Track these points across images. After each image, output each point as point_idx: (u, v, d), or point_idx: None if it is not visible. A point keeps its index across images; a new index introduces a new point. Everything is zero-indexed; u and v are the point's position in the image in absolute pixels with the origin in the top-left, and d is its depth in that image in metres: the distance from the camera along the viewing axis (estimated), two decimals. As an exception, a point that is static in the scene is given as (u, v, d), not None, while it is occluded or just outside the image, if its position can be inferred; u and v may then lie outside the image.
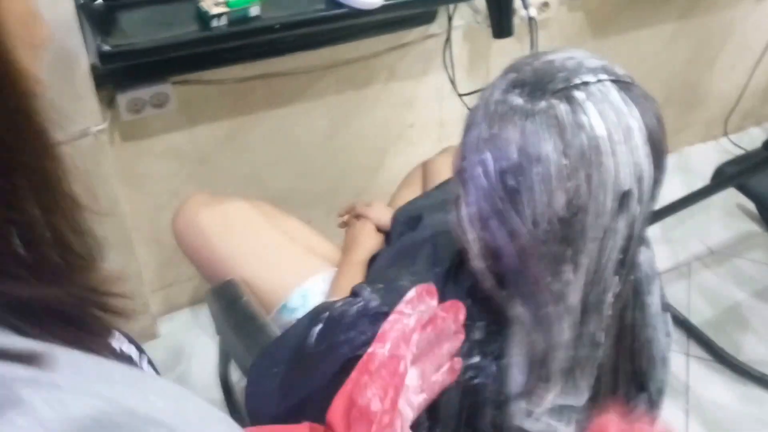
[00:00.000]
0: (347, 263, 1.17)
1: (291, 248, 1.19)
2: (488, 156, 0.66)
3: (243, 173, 1.60)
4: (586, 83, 0.65)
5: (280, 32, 1.24)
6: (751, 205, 2.26)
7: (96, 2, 1.17)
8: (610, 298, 0.71)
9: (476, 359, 0.74)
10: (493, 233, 0.68)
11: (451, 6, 1.55)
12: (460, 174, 0.71)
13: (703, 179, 1.95)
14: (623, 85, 0.66)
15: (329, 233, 1.33)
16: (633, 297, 0.78)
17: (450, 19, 1.57)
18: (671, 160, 2.68)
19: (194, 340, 1.76)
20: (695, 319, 1.92)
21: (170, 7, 1.22)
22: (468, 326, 0.74)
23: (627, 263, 0.70)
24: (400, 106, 1.73)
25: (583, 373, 0.74)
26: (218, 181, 1.58)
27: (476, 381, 0.75)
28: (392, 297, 0.78)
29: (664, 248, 2.14)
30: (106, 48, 1.13)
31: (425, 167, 1.42)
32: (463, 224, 0.71)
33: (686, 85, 2.26)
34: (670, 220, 2.15)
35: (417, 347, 0.68)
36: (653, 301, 0.84)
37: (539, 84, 0.65)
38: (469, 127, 0.70)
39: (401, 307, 0.70)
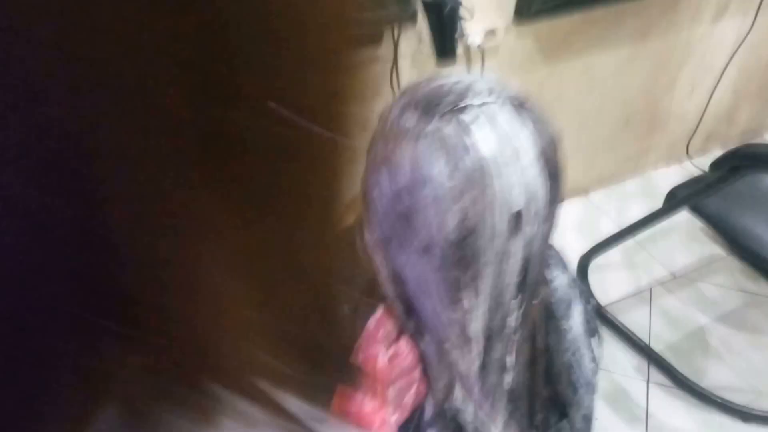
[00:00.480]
0: None
1: None
2: (383, 178, 0.64)
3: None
4: (470, 106, 0.64)
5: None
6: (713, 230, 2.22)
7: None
8: (512, 322, 0.69)
9: None
10: (394, 257, 0.67)
11: (396, 31, 1.51)
12: (363, 194, 0.69)
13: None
14: (512, 107, 0.64)
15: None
16: (546, 321, 0.76)
17: (396, 44, 1.53)
18: (635, 184, 2.68)
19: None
20: (656, 345, 1.87)
21: None
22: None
23: (528, 286, 0.68)
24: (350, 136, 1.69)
25: (495, 399, 0.72)
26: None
27: None
28: None
29: (625, 273, 2.10)
30: None
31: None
32: (369, 250, 0.69)
33: (646, 107, 2.23)
34: (631, 245, 2.12)
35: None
36: (572, 325, 0.81)
37: (428, 106, 0.64)
38: (371, 145, 0.68)
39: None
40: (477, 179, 0.61)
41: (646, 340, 1.88)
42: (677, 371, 1.78)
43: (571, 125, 2.05)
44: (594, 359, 0.86)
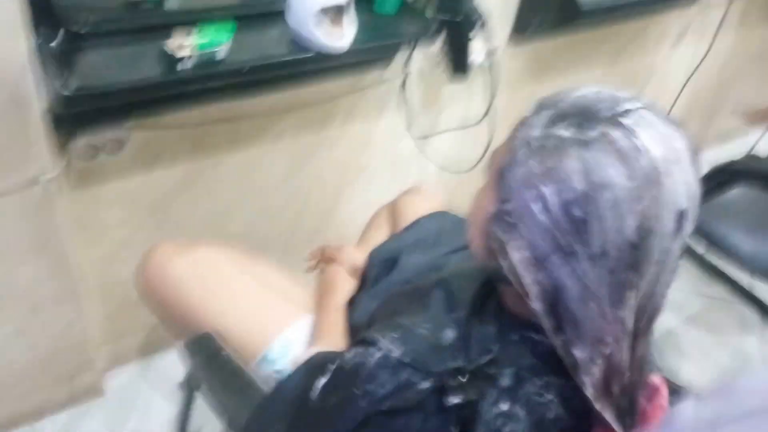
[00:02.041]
0: (325, 309, 1.08)
1: (267, 296, 1.10)
2: (547, 190, 0.62)
3: (199, 218, 1.50)
4: (628, 111, 0.63)
5: (247, 75, 1.16)
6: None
7: (54, 43, 1.05)
8: (657, 319, 0.68)
9: (505, 406, 0.69)
10: (553, 272, 0.64)
11: (408, 52, 1.51)
12: (503, 218, 0.66)
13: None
14: (657, 111, 0.65)
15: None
16: None
17: (406, 64, 1.53)
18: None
19: (144, 394, 1.62)
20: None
21: (133, 49, 1.11)
22: (495, 374, 0.70)
23: (671, 284, 0.68)
24: (356, 148, 1.67)
25: (633, 401, 0.69)
26: (173, 227, 1.46)
27: (506, 429, 0.69)
28: (413, 347, 0.73)
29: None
30: (67, 91, 1.01)
31: (392, 208, 1.36)
32: (518, 270, 0.66)
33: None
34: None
35: None
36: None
37: (584, 115, 0.63)
38: (508, 168, 0.66)
39: None
40: (653, 179, 0.61)
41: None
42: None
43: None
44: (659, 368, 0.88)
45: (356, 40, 1.23)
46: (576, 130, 0.62)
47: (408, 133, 1.66)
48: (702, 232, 1.71)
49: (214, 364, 0.96)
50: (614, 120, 0.62)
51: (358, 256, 1.19)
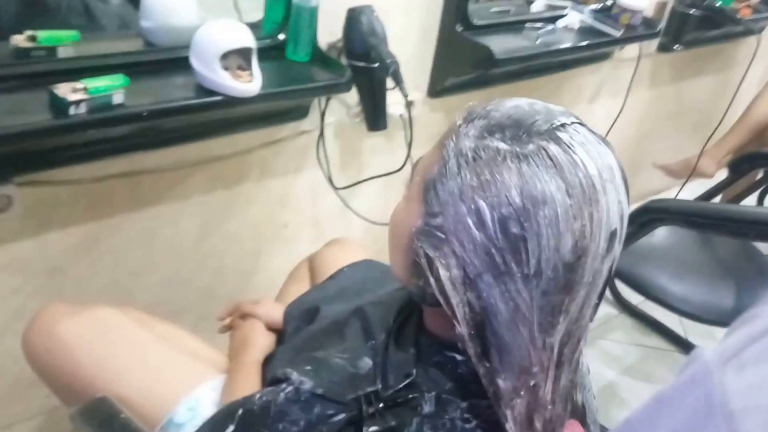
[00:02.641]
0: (239, 365, 0.99)
1: (171, 355, 1.00)
2: (484, 204, 0.59)
3: (102, 284, 1.38)
4: (564, 125, 0.62)
5: (146, 120, 1.08)
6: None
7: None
8: (581, 347, 0.66)
9: None
10: (484, 292, 0.60)
11: (323, 101, 1.48)
12: (432, 233, 0.62)
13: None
14: (588, 127, 0.63)
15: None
16: None
17: (323, 114, 1.49)
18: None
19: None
20: (576, 403, 1.88)
21: (22, 97, 1.03)
22: (416, 399, 0.66)
23: (597, 309, 0.66)
24: (274, 205, 1.60)
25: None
26: (74, 295, 1.34)
27: None
28: (326, 377, 0.69)
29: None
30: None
31: (312, 261, 1.29)
32: (446, 289, 0.62)
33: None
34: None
35: None
36: (584, 361, 0.77)
37: (520, 127, 0.61)
38: (438, 180, 0.63)
39: None
40: (590, 196, 0.59)
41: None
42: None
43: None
44: (594, 397, 0.84)
45: (267, 85, 1.18)
46: (512, 143, 0.60)
47: (330, 188, 1.60)
48: (629, 277, 1.72)
49: (109, 429, 0.85)
50: (551, 133, 0.60)
51: (275, 310, 1.11)
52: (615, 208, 0.61)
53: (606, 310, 2.29)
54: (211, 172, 1.43)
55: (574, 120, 0.63)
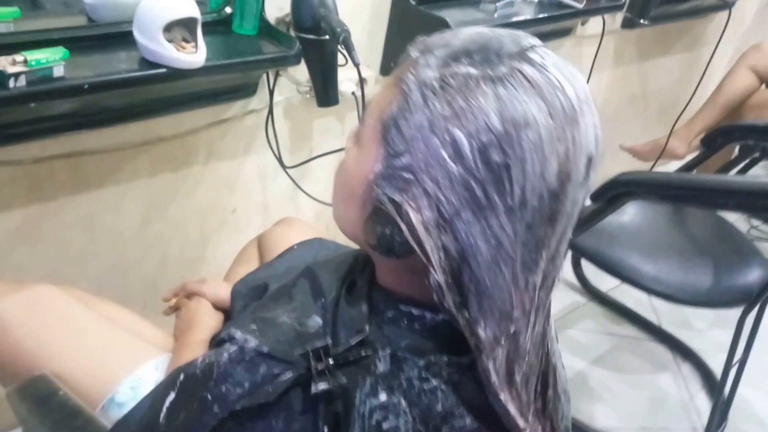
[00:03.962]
0: (185, 344, 1.06)
1: (114, 333, 1.06)
2: (460, 133, 0.59)
3: (42, 272, 1.45)
4: (533, 46, 0.63)
5: (88, 93, 1.17)
6: (571, 277, 2.44)
7: None
8: (553, 288, 0.68)
9: (383, 396, 0.66)
10: (461, 232, 0.61)
11: (272, 78, 1.57)
12: (397, 176, 0.63)
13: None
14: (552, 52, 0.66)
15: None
16: None
17: (271, 92, 1.58)
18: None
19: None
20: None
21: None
22: (369, 357, 0.67)
23: (568, 247, 0.68)
24: (222, 189, 1.69)
25: (528, 387, 0.69)
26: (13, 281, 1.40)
27: (386, 425, 0.66)
28: (273, 335, 0.71)
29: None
30: None
31: (261, 240, 1.37)
32: (418, 234, 0.62)
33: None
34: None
35: None
36: (551, 324, 0.79)
37: (488, 51, 0.62)
38: (399, 116, 0.63)
39: None
40: (571, 117, 0.60)
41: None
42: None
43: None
44: (563, 366, 0.84)
45: (213, 58, 1.27)
46: (483, 66, 0.61)
47: (281, 171, 1.70)
48: (598, 257, 1.80)
49: (47, 406, 0.91)
50: (523, 55, 0.62)
51: (223, 288, 1.17)
52: (591, 132, 0.63)
53: (574, 298, 2.42)
54: (155, 153, 1.51)
55: (539, 43, 0.65)
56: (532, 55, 0.62)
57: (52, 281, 1.10)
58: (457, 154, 0.59)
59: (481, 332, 0.63)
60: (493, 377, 0.64)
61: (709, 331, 2.37)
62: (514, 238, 0.61)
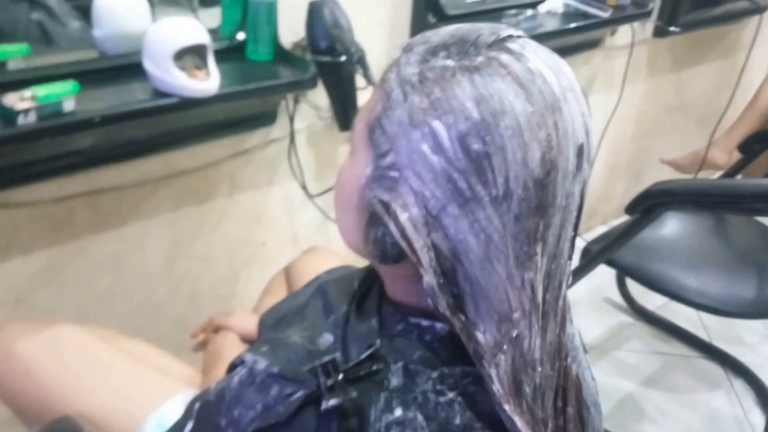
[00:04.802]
0: (212, 379, 1.02)
1: (139, 370, 1.03)
2: (438, 124, 0.58)
3: (70, 312, 1.41)
4: (512, 36, 0.63)
5: (100, 127, 1.13)
6: (617, 297, 2.34)
7: None
8: (564, 290, 0.64)
9: (398, 412, 0.63)
10: (450, 228, 0.59)
11: (291, 105, 1.53)
12: (384, 175, 0.62)
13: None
14: (538, 43, 0.64)
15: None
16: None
17: (291, 119, 1.54)
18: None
19: None
20: (593, 417, 1.89)
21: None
22: (381, 372, 0.64)
23: (573, 246, 0.65)
24: (248, 222, 1.65)
25: (545, 401, 0.64)
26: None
27: None
28: (284, 355, 0.69)
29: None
30: None
31: (288, 271, 1.33)
32: (407, 233, 0.61)
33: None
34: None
35: None
36: (575, 332, 0.77)
37: (465, 43, 0.61)
38: (382, 115, 0.62)
39: None
40: (552, 104, 0.59)
41: (582, 413, 1.89)
42: (620, 439, 1.80)
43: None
44: (593, 377, 0.83)
45: (227, 84, 1.23)
46: (460, 58, 0.60)
47: (307, 199, 1.65)
48: (638, 273, 1.72)
49: None
50: (500, 44, 0.61)
51: (249, 321, 1.14)
52: (579, 120, 0.61)
53: (620, 318, 2.32)
54: (177, 187, 1.48)
55: (522, 34, 0.64)
56: (510, 44, 0.61)
57: (73, 320, 1.08)
58: (437, 145, 0.58)
59: (480, 336, 0.61)
60: (497, 386, 0.61)
61: (761, 345, 2.27)
62: (503, 230, 0.59)
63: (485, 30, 0.62)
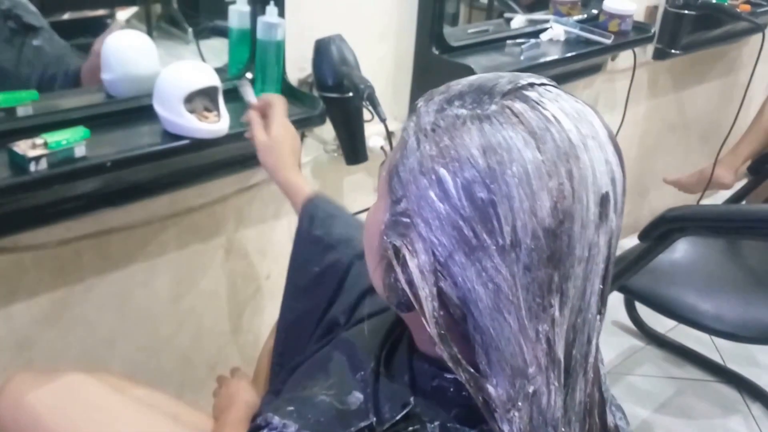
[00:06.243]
0: (224, 424, 1.04)
1: (149, 418, 1.04)
2: (444, 172, 0.59)
3: (74, 355, 1.43)
4: (532, 84, 0.62)
5: (111, 171, 1.16)
6: (627, 321, 2.36)
7: None
8: (594, 347, 0.63)
9: None
10: (458, 277, 0.59)
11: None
12: (398, 221, 0.63)
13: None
14: (564, 90, 0.64)
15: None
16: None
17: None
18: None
19: None
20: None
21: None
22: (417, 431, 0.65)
23: (605, 299, 0.64)
24: (254, 256, 1.67)
25: None
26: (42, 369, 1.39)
27: None
28: (313, 417, 0.69)
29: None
30: None
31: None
32: (415, 281, 0.61)
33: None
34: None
35: None
36: (605, 380, 0.76)
37: (482, 92, 0.62)
38: (399, 163, 0.63)
39: None
40: (567, 151, 0.58)
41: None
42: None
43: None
44: (628, 423, 0.83)
45: (236, 125, 1.26)
46: (473, 107, 0.61)
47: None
48: (652, 298, 1.74)
49: None
50: (516, 92, 0.61)
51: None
52: (602, 168, 0.60)
53: (630, 342, 2.34)
54: (183, 225, 1.50)
55: (546, 82, 0.63)
56: (527, 92, 0.61)
57: (83, 368, 1.09)
58: (444, 192, 0.59)
59: (492, 389, 0.60)
60: None
61: (777, 367, 2.28)
62: (513, 281, 0.58)
63: (504, 78, 0.63)
